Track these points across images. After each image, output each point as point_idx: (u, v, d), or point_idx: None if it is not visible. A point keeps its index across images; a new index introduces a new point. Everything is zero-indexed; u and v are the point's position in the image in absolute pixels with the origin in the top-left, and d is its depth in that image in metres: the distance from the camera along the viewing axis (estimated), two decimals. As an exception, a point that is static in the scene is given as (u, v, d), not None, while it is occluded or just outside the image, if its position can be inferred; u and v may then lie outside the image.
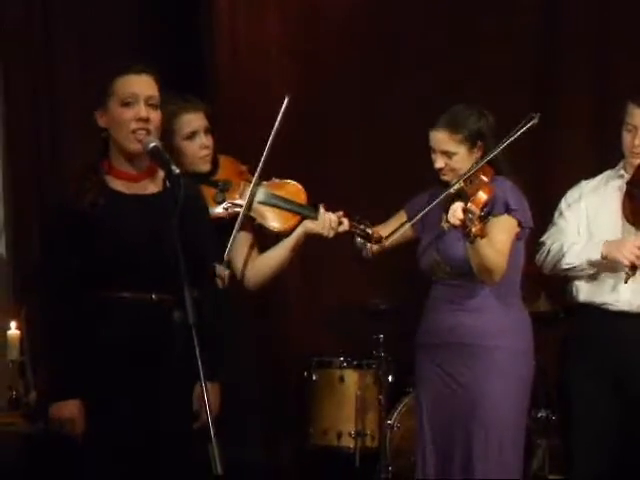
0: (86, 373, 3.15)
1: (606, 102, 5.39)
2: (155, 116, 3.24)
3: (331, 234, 3.71)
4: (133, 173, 3.27)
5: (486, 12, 5.57)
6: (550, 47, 5.59)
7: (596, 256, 4.03)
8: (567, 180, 4.46)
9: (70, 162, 4.72)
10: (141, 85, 3.24)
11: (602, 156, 4.97)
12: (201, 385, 2.90)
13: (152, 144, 3.19)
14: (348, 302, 5.35)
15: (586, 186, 4.22)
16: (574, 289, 4.19)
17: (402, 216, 4.02)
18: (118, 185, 3.25)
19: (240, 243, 3.75)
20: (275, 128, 3.74)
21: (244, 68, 5.59)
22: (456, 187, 3.78)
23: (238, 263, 3.77)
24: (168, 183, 3.12)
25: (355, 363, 5.22)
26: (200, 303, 3.01)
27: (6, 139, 4.93)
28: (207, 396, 2.89)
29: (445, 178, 3.87)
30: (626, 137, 4.10)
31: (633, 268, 3.94)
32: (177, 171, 3.09)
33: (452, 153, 3.85)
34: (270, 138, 3.74)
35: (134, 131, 3.20)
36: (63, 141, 4.92)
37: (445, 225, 3.76)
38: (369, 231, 3.78)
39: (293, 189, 3.79)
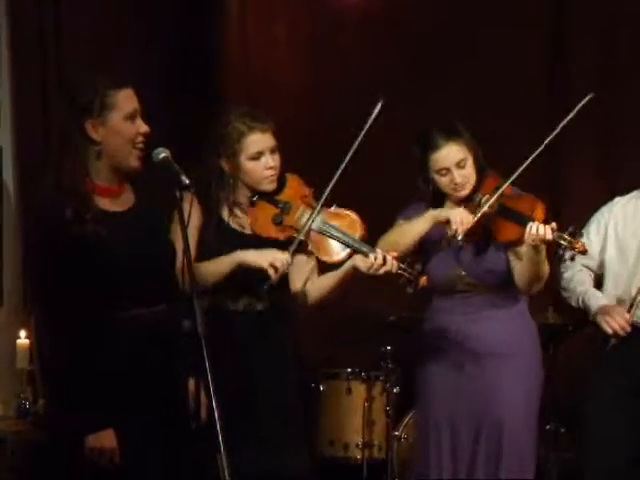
0: (112, 399, 3.10)
1: (614, 126, 5.45)
2: None
3: (376, 274, 3.62)
4: (115, 188, 3.22)
5: (494, 41, 5.61)
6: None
7: (591, 314, 4.09)
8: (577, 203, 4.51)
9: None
10: (135, 99, 3.22)
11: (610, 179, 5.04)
12: (208, 392, 2.91)
13: (162, 154, 3.16)
14: (356, 314, 5.35)
15: (617, 203, 4.23)
16: None
17: None
18: (106, 204, 3.19)
19: (300, 264, 3.74)
20: (341, 168, 3.76)
21: (253, 70, 5.61)
22: (490, 204, 3.81)
23: (295, 283, 3.76)
24: (178, 194, 3.13)
25: (363, 374, 5.22)
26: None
27: (17, 147, 4.95)
28: (216, 408, 2.90)
29: (463, 193, 3.90)
30: None
31: (616, 336, 4.01)
32: (187, 182, 3.10)
33: (465, 160, 3.88)
34: (336, 174, 3.74)
35: (137, 147, 3.18)
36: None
37: (532, 242, 3.73)
38: (416, 275, 3.66)
39: (349, 221, 3.73)
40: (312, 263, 3.78)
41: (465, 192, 3.90)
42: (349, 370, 5.25)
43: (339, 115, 5.58)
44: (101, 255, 3.11)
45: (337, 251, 3.71)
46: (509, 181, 3.86)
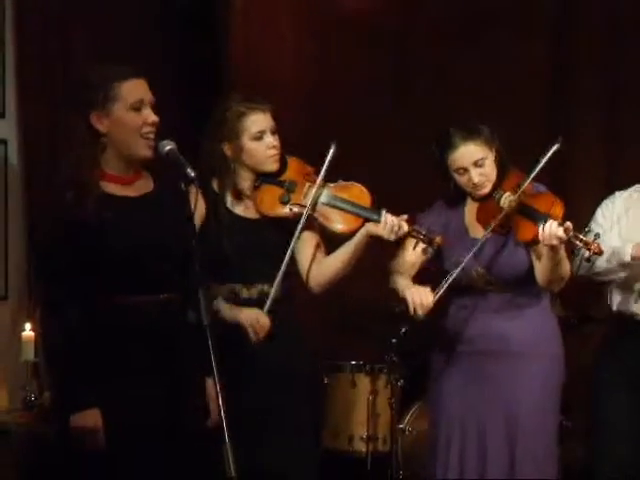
0: (104, 381, 3.12)
1: (619, 119, 5.44)
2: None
3: (392, 237, 3.68)
4: (128, 176, 3.24)
5: (495, 42, 5.61)
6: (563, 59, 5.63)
7: (626, 257, 4.05)
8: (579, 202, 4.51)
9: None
10: (145, 89, 3.22)
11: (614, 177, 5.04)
12: (215, 386, 2.93)
13: (168, 147, 3.18)
14: (361, 305, 5.35)
15: (619, 197, 4.22)
16: (609, 298, 4.20)
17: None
18: (115, 189, 3.20)
19: (305, 244, 3.77)
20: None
21: (257, 70, 5.63)
22: (511, 203, 3.80)
23: (303, 263, 3.79)
24: (183, 186, 3.14)
25: (367, 367, 5.23)
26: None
27: (22, 139, 4.95)
28: (221, 400, 2.92)
29: (483, 192, 3.88)
30: None
31: None
32: (193, 174, 3.10)
33: (483, 159, 3.85)
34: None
35: (145, 136, 3.18)
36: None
37: (546, 242, 3.71)
38: (431, 236, 3.72)
39: (357, 191, 3.79)
40: (318, 241, 3.80)
41: (485, 191, 3.88)
42: (353, 363, 5.25)
43: (342, 111, 5.60)
44: (104, 238, 3.13)
45: (349, 220, 3.74)
46: (527, 182, 3.82)
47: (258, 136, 3.73)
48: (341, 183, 3.81)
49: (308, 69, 5.71)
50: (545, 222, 3.69)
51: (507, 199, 3.83)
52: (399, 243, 3.86)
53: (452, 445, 3.92)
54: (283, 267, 3.69)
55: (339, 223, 3.75)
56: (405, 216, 3.71)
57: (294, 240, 3.71)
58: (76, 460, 3.17)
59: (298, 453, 3.71)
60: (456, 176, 3.89)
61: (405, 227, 3.68)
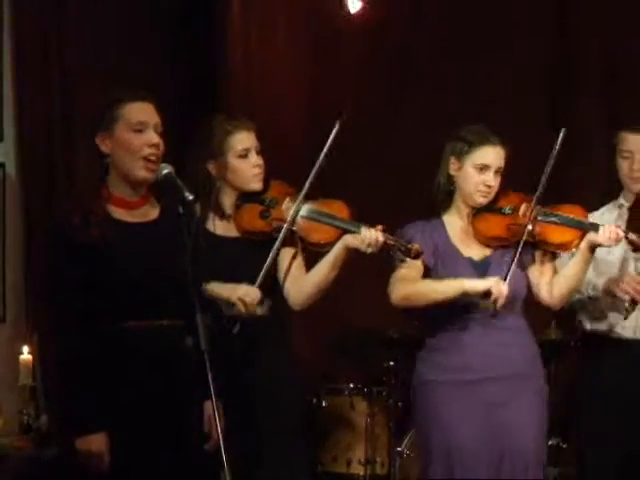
0: (108, 405, 3.13)
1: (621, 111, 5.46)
2: (162, 143, 3.24)
3: (369, 250, 3.65)
4: (134, 200, 3.25)
5: (499, 39, 5.64)
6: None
7: (596, 291, 4.08)
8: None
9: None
10: (149, 112, 3.25)
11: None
12: (213, 410, 2.93)
13: (165, 170, 3.20)
14: (359, 329, 5.35)
15: (590, 217, 4.21)
16: (582, 318, 4.21)
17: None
18: (121, 214, 3.22)
19: (285, 261, 3.76)
20: (324, 151, 3.82)
21: (256, 86, 5.66)
22: (536, 213, 3.83)
23: (283, 280, 3.77)
24: (181, 209, 3.14)
25: (365, 390, 5.22)
26: (211, 328, 3.04)
27: (20, 165, 4.96)
28: (219, 423, 2.93)
29: (485, 200, 3.87)
30: (622, 164, 4.18)
31: (633, 303, 3.98)
32: (191, 197, 3.12)
33: (501, 169, 3.87)
34: (319, 159, 3.80)
35: (145, 158, 3.19)
36: (77, 169, 4.92)
37: (607, 242, 3.75)
38: (409, 246, 3.69)
39: (336, 205, 3.80)
40: (299, 259, 3.79)
41: (485, 200, 3.86)
42: (351, 386, 5.24)
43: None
44: (107, 263, 3.14)
45: (327, 231, 3.73)
46: (540, 188, 3.84)
47: (243, 154, 3.76)
48: (321, 200, 3.82)
49: (305, 87, 5.73)
50: (596, 228, 3.74)
51: (526, 209, 3.83)
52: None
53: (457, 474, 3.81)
54: (269, 260, 3.69)
55: (317, 234, 3.75)
56: (380, 226, 3.68)
57: (272, 254, 3.70)
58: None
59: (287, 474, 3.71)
60: (470, 172, 3.85)
61: (381, 238, 3.64)
